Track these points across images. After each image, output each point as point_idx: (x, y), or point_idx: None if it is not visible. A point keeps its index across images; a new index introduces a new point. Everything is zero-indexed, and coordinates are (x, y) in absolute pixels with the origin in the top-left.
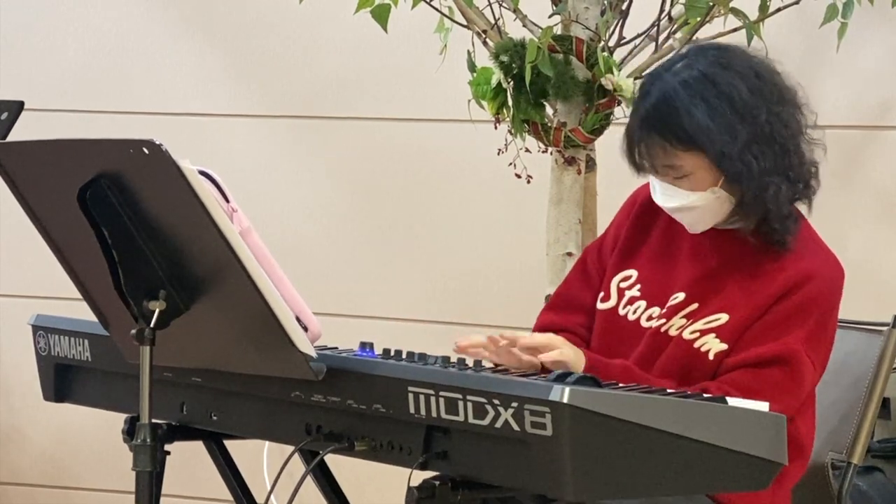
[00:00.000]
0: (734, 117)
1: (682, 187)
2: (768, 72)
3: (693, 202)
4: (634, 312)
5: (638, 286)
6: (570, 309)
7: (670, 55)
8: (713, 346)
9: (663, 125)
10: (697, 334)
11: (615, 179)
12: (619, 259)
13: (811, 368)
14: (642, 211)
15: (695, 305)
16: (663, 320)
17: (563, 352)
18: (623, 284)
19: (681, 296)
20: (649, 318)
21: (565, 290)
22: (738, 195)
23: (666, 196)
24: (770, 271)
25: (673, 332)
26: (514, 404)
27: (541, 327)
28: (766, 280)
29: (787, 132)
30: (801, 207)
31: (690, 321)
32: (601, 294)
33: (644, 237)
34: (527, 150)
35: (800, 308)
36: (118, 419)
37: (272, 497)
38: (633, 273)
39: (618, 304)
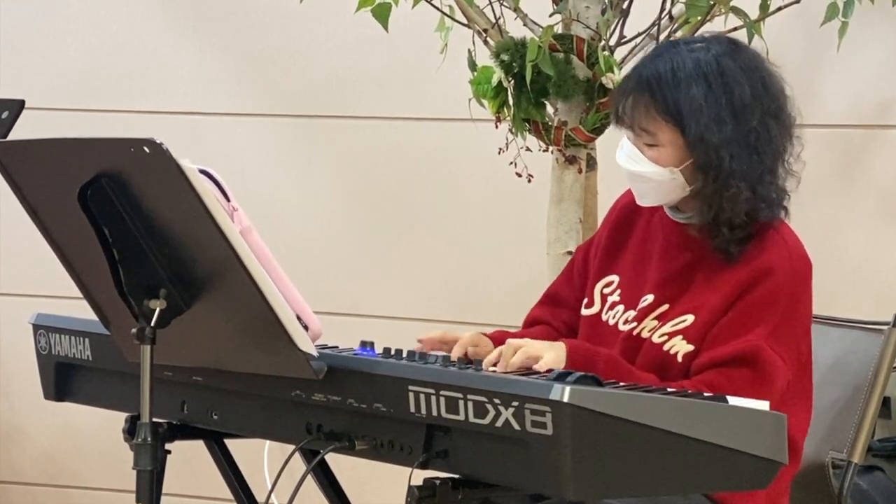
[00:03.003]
0: (727, 111)
1: (647, 155)
2: (776, 87)
3: (649, 173)
4: (614, 317)
5: (618, 291)
6: (556, 306)
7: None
8: (681, 348)
9: (659, 89)
10: (666, 337)
11: (616, 178)
12: (601, 265)
13: (780, 363)
14: (621, 216)
15: (665, 307)
16: (635, 323)
17: (547, 359)
18: (606, 290)
19: (650, 297)
20: (625, 322)
21: (553, 289)
22: (698, 185)
23: (628, 158)
24: (733, 268)
25: (645, 335)
26: (515, 403)
27: (529, 320)
28: (729, 277)
29: (770, 148)
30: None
31: (661, 323)
32: (585, 300)
33: (624, 242)
34: (527, 150)
35: (761, 303)
36: (119, 418)
37: (273, 496)
38: (615, 278)
39: (601, 310)
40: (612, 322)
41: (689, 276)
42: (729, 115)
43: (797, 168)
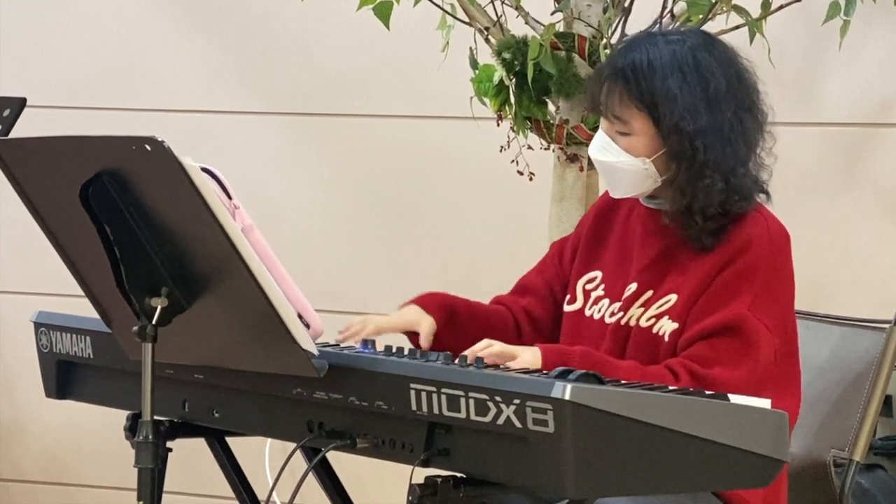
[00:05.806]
0: (702, 101)
1: (619, 144)
2: (750, 81)
3: (620, 163)
4: (599, 311)
5: (602, 286)
6: (520, 294)
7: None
8: (667, 327)
9: (635, 78)
10: (654, 320)
11: None
12: (583, 262)
13: (765, 331)
14: (601, 213)
15: (649, 293)
16: (622, 313)
17: (523, 358)
18: (589, 286)
19: (633, 286)
20: (612, 315)
21: (523, 280)
22: (671, 175)
23: (601, 148)
24: (713, 244)
25: (633, 323)
26: (516, 401)
27: (491, 300)
28: (709, 253)
29: (743, 140)
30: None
31: (646, 309)
32: (567, 297)
33: (604, 238)
34: (529, 148)
35: (742, 274)
36: (120, 416)
37: (274, 494)
38: (598, 274)
39: (584, 305)
40: (596, 316)
41: (669, 260)
42: (704, 106)
43: (769, 162)
